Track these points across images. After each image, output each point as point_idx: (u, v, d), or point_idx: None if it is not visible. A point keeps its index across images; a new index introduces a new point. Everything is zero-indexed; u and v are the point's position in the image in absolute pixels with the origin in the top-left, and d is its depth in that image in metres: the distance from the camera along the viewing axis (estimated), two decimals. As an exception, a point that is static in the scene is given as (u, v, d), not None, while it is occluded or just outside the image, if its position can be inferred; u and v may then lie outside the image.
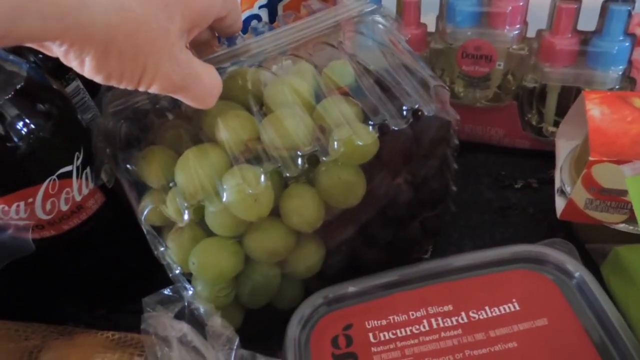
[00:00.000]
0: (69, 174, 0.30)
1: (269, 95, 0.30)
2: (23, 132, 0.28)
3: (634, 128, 0.31)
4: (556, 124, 0.41)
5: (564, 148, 0.37)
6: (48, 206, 0.29)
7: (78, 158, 0.30)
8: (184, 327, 0.24)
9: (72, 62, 0.22)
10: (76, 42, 0.20)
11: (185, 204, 0.26)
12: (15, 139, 0.27)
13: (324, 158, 0.27)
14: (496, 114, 0.43)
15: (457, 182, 0.36)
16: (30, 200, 0.29)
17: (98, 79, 0.22)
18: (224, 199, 0.26)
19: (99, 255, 0.34)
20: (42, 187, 0.29)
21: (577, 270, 0.30)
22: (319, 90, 0.30)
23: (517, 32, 0.39)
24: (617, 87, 0.38)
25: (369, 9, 0.33)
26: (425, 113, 0.28)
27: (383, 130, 0.28)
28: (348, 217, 0.31)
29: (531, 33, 0.39)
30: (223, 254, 0.29)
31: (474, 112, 0.43)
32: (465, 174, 0.42)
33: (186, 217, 0.27)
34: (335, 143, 0.27)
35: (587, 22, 0.37)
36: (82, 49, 0.21)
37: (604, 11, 0.36)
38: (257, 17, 0.48)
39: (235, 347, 0.24)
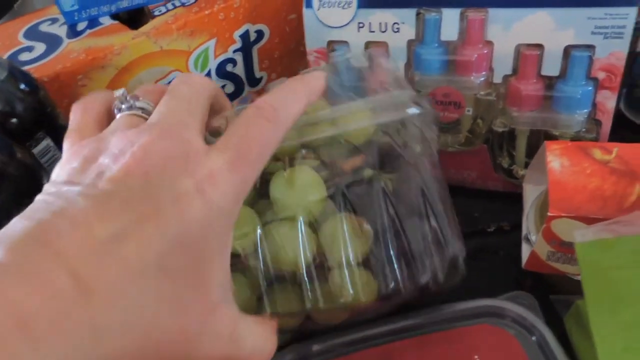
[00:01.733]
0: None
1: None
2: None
3: (593, 182, 0.31)
4: (527, 165, 0.41)
5: (531, 194, 0.37)
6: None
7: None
8: None
9: None
10: None
11: None
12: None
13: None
14: (468, 157, 0.43)
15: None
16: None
17: None
18: None
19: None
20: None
21: (538, 326, 0.30)
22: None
23: (483, 78, 0.39)
24: (583, 129, 0.38)
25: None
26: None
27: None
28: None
29: (497, 79, 0.39)
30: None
31: (447, 156, 0.43)
32: (438, 216, 0.43)
33: None
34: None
35: (551, 67, 0.37)
36: None
37: (566, 56, 0.36)
38: (232, 61, 0.48)
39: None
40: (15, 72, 0.35)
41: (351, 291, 0.27)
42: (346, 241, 0.27)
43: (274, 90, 0.24)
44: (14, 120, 0.34)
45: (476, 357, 0.30)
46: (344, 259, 0.27)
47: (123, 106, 0.24)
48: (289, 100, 0.24)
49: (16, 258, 0.17)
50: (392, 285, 0.27)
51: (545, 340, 0.29)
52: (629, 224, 0.26)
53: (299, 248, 0.27)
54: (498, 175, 0.43)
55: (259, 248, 0.27)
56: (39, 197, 0.20)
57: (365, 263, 0.28)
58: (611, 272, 0.26)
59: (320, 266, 0.27)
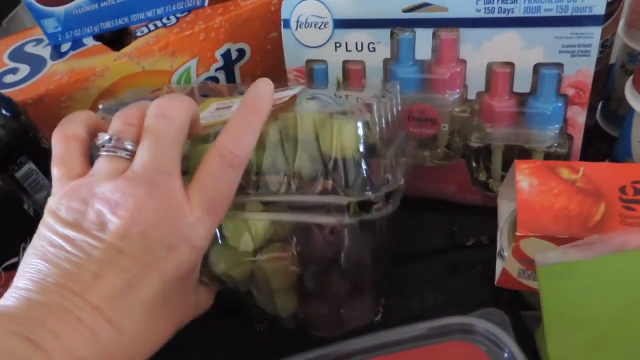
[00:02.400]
0: (15, 266, 0.31)
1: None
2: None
3: (559, 201, 0.32)
4: (503, 179, 0.42)
5: (505, 210, 0.38)
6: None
7: (24, 249, 0.31)
8: None
9: None
10: None
11: None
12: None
13: None
14: (447, 171, 0.44)
15: (411, 238, 0.37)
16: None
17: None
18: None
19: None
20: (-10, 281, 0.30)
21: (508, 342, 0.31)
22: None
23: (457, 95, 0.40)
24: (555, 144, 0.39)
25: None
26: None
27: None
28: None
29: (471, 95, 0.40)
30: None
31: (426, 170, 0.44)
32: (417, 230, 0.43)
33: None
34: None
35: (522, 84, 0.38)
36: None
37: (536, 74, 0.37)
38: (215, 79, 0.49)
39: None
40: (-4, 98, 0.36)
41: None
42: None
43: (232, 128, 0.27)
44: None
45: (448, 373, 0.30)
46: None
47: (104, 149, 0.27)
48: (247, 140, 0.27)
49: (55, 306, 0.22)
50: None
51: (514, 357, 0.30)
52: (589, 247, 0.26)
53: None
54: (476, 188, 0.44)
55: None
56: (53, 237, 0.24)
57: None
58: (570, 296, 0.26)
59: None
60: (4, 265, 0.30)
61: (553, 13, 0.35)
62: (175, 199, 0.25)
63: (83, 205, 0.24)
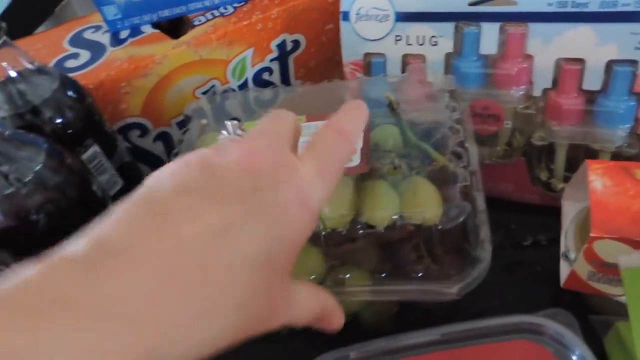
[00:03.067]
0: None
1: None
2: (42, 207, 0.29)
3: (635, 204, 0.31)
4: (566, 179, 0.41)
5: (570, 211, 0.37)
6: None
7: (92, 230, 0.32)
8: None
9: None
10: None
11: None
12: (36, 215, 0.29)
13: None
14: (505, 169, 0.43)
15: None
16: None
17: None
18: None
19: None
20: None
21: (577, 345, 0.30)
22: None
23: (523, 92, 0.39)
24: (625, 144, 0.38)
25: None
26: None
27: None
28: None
29: (537, 92, 0.39)
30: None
31: (484, 168, 0.43)
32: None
33: None
34: None
35: (592, 81, 0.37)
36: None
37: (608, 71, 0.36)
38: (269, 70, 0.49)
39: None
40: (66, 81, 0.36)
41: None
42: None
43: (345, 111, 0.26)
44: (64, 127, 0.35)
45: (514, 374, 0.30)
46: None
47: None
48: (358, 124, 0.26)
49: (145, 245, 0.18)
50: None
51: (584, 359, 0.29)
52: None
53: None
54: (535, 188, 0.43)
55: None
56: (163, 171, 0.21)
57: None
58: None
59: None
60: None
61: (631, 8, 0.34)
62: (291, 160, 0.23)
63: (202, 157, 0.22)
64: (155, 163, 0.48)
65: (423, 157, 0.34)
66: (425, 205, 0.30)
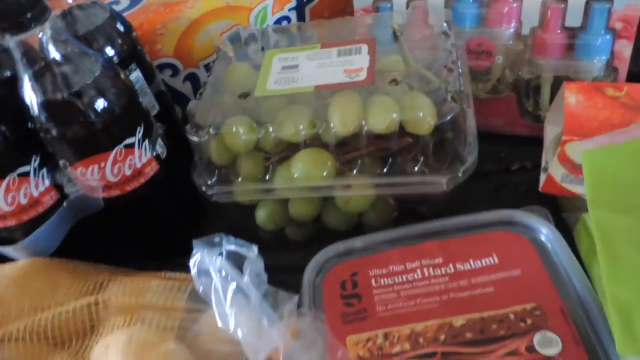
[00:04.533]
0: (132, 145, 0.37)
1: None
2: (99, 110, 0.35)
3: (603, 113, 0.36)
4: (551, 112, 0.46)
5: (551, 133, 0.42)
6: (115, 170, 0.37)
7: (139, 132, 0.37)
8: (223, 262, 0.30)
9: None
10: None
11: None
12: (93, 116, 0.35)
13: None
14: (496, 104, 0.48)
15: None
16: (103, 164, 0.36)
17: None
18: None
19: (153, 213, 0.41)
20: (112, 154, 0.36)
21: (550, 232, 0.35)
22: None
23: (513, 30, 0.44)
24: (601, 75, 0.43)
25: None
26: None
27: None
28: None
29: (525, 30, 0.44)
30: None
31: (476, 103, 0.48)
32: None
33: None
34: None
35: (574, 19, 0.42)
36: None
37: (587, 9, 0.41)
38: (287, 19, 0.54)
39: (264, 277, 0.31)
40: (115, 15, 0.42)
41: None
42: None
43: None
44: (114, 50, 0.41)
45: (494, 255, 0.35)
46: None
47: None
48: None
49: None
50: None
51: (556, 243, 0.34)
52: (629, 132, 0.30)
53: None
54: (524, 120, 0.48)
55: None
56: None
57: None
58: (612, 178, 0.30)
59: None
60: (124, 143, 0.36)
61: (606, -49, 0.39)
62: None
63: None
64: (184, 102, 0.54)
65: (421, 80, 0.39)
66: (422, 109, 0.35)
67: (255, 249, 0.31)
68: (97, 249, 0.41)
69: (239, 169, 0.39)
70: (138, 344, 0.28)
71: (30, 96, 0.34)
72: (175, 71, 0.52)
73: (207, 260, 0.30)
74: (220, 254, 0.32)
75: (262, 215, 0.41)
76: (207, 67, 0.53)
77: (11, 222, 0.36)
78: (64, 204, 0.38)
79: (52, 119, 0.34)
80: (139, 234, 0.42)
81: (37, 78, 0.33)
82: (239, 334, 0.28)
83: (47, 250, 0.38)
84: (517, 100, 0.47)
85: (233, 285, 0.29)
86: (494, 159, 0.48)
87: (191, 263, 0.32)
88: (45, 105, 0.34)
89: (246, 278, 0.29)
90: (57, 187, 0.38)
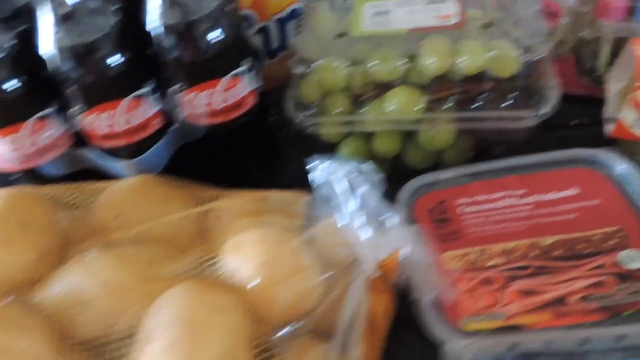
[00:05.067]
0: (239, 75, 0.39)
1: None
2: (212, 40, 0.37)
3: (675, 61, 0.39)
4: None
5: (614, 87, 0.46)
6: (222, 97, 0.39)
7: (247, 64, 0.40)
8: (344, 169, 0.33)
9: None
10: None
11: None
12: (211, 43, 0.37)
13: None
14: (555, 65, 0.51)
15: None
16: (212, 90, 0.39)
17: None
18: None
19: (247, 143, 0.44)
20: (222, 81, 0.39)
21: (625, 168, 0.39)
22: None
23: (578, -7, 0.47)
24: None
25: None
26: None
27: None
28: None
29: (589, -6, 0.47)
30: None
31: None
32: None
33: None
34: None
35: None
36: None
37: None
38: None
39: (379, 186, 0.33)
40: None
41: None
42: None
43: None
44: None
45: (573, 187, 0.38)
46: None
47: None
48: None
49: None
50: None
51: (632, 177, 0.38)
52: None
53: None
54: (582, 81, 0.51)
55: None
56: None
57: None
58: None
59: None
60: (232, 73, 0.39)
61: None
62: None
63: None
64: (255, 56, 0.56)
65: (508, 28, 0.42)
66: (509, 53, 0.38)
67: (369, 163, 0.34)
68: (194, 175, 0.43)
69: (332, 102, 0.42)
70: (270, 240, 0.31)
71: (154, 22, 0.36)
72: (249, 23, 0.55)
73: (328, 169, 0.33)
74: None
75: (346, 151, 0.44)
76: (279, 21, 0.56)
77: (123, 142, 0.39)
78: (170, 128, 0.41)
79: (176, 43, 0.37)
80: (236, 159, 0.44)
81: (165, 5, 0.36)
82: (362, 235, 0.31)
83: (154, 170, 0.40)
84: (576, 61, 0.51)
85: (358, 189, 0.31)
86: (554, 115, 0.51)
87: (313, 171, 0.34)
88: (170, 30, 0.36)
89: (367, 186, 0.32)
90: (164, 113, 0.41)
